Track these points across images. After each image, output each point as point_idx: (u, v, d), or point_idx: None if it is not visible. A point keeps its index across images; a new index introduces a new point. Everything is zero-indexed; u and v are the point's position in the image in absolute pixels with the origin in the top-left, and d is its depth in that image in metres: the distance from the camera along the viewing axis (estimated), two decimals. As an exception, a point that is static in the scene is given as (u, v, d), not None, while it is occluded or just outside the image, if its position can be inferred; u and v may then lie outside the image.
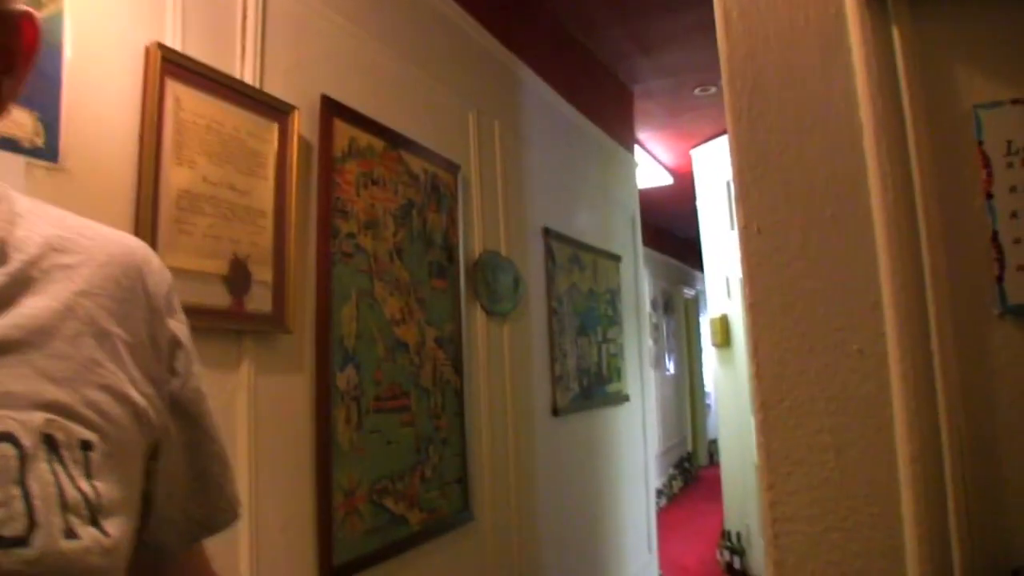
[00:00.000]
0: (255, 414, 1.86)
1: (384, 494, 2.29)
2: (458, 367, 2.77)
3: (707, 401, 12.98)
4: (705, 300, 14.21)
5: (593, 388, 4.12)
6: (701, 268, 14.01)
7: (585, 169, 4.41)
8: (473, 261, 2.99)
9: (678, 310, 11.87)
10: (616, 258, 4.69)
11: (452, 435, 2.70)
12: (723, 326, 6.69)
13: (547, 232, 3.74)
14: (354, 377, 2.20)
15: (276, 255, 1.92)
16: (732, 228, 6.72)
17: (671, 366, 11.12)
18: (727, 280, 6.71)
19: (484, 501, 2.91)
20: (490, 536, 2.92)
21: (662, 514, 9.15)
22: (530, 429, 3.36)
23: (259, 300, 1.86)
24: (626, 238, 5.02)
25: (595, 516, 4.12)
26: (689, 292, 12.72)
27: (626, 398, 4.64)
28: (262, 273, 1.87)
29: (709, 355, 13.80)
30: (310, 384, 2.06)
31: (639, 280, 5.22)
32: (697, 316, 13.20)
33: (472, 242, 3.01)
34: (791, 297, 1.08)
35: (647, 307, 5.29)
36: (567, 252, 3.95)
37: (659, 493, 9.20)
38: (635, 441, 4.88)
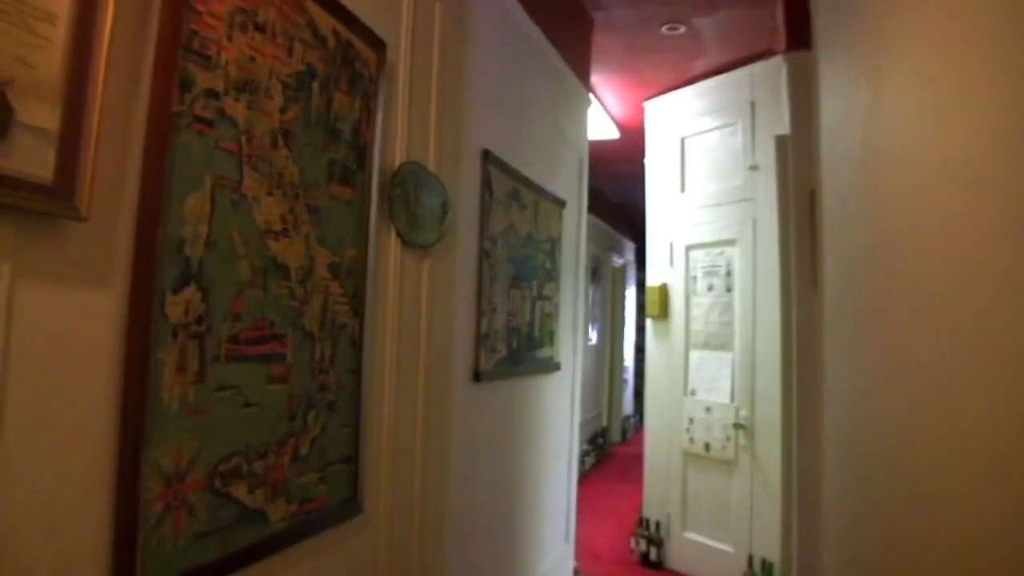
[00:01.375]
0: (9, 345, 1.13)
1: (234, 478, 1.57)
2: (358, 308, 2.06)
3: (624, 376, 12.52)
4: (632, 271, 13.80)
5: (522, 352, 3.46)
6: (632, 236, 13.55)
7: (536, 92, 3.71)
8: (392, 171, 2.27)
9: (606, 278, 11.31)
10: (560, 203, 4.02)
11: (343, 398, 1.99)
12: (662, 296, 6.11)
13: (487, 156, 3.04)
14: (198, 304, 1.47)
15: (69, 91, 1.17)
16: (682, 191, 6.13)
17: (593, 336, 10.56)
18: (671, 246, 6.12)
19: (380, 487, 2.21)
20: (384, 531, 2.23)
21: (572, 492, 8.63)
22: (445, 396, 2.67)
23: (27, 157, 1.11)
24: (572, 182, 4.35)
25: (513, 502, 3.48)
26: (618, 260, 12.18)
27: (557, 367, 4.00)
28: (37, 114, 1.12)
29: (631, 328, 13.39)
30: (120, 306, 1.32)
31: (581, 233, 4.57)
32: (624, 287, 12.69)
33: (392, 146, 2.29)
34: None
35: (583, 265, 4.63)
36: (507, 185, 3.26)
37: (571, 469, 8.65)
38: (562, 417, 4.25)
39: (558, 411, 4.15)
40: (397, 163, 2.29)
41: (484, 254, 3.00)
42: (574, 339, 4.41)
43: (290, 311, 1.76)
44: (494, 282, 3.11)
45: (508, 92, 3.32)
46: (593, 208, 10.26)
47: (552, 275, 3.87)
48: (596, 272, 10.60)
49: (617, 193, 10.91)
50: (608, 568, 6.01)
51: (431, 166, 2.49)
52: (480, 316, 2.98)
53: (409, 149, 2.36)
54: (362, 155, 2.07)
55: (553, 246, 3.89)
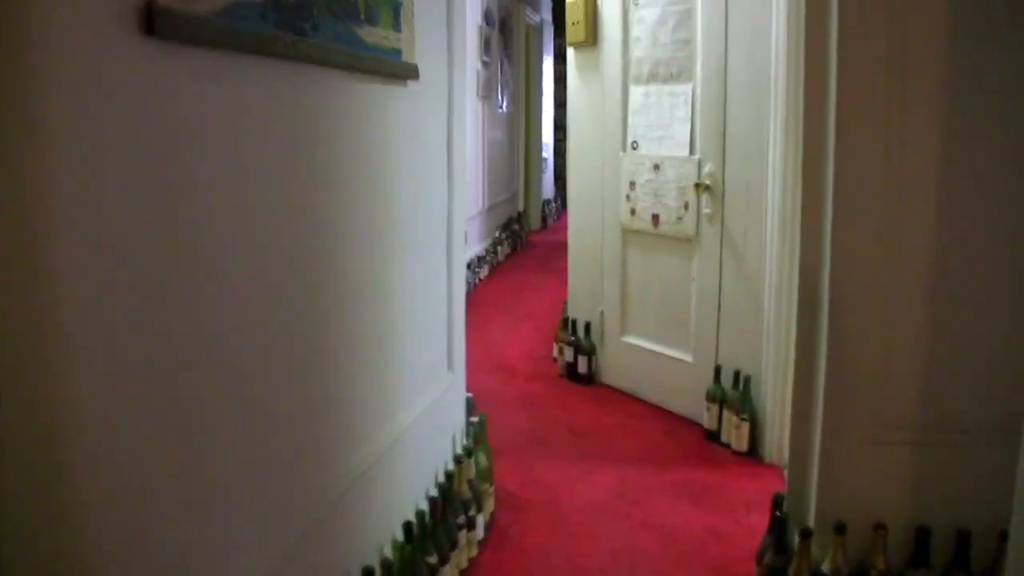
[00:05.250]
0: None
1: None
2: None
3: (544, 155, 10.82)
4: (550, 34, 11.77)
5: (318, 13, 1.67)
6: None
7: None
8: None
9: (516, 37, 9.34)
10: None
11: None
12: (588, 12, 4.27)
13: None
14: None
15: None
16: None
17: (504, 103, 8.72)
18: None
19: None
20: None
21: (481, 288, 7.07)
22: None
23: None
24: None
25: (317, 335, 1.79)
26: (533, 17, 10.15)
27: (408, 71, 2.22)
28: None
29: (549, 101, 11.55)
30: None
31: None
32: (540, 51, 10.74)
33: None
34: None
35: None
36: None
37: (480, 260, 7.10)
38: (429, 176, 2.53)
39: (419, 160, 2.42)
40: None
41: None
42: (449, 35, 2.62)
43: None
44: None
45: None
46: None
47: None
48: (504, 27, 8.63)
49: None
50: (523, 386, 4.52)
51: None
52: None
53: None
54: None
55: None
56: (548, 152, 11.34)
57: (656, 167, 3.94)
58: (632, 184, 4.09)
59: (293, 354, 1.68)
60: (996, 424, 2.13)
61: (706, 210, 3.71)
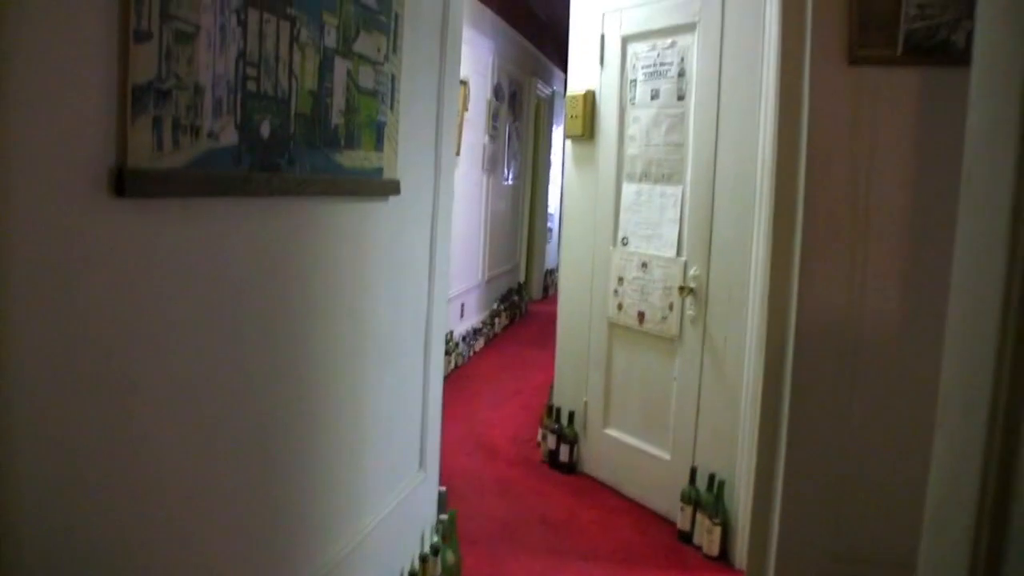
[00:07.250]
0: None
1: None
2: None
3: (549, 224, 10.93)
4: (561, 104, 11.94)
5: (294, 146, 1.75)
6: (562, 64, 11.66)
7: None
8: None
9: (526, 109, 9.51)
10: None
11: None
12: (587, 107, 4.39)
13: None
14: None
15: None
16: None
17: (510, 175, 8.85)
18: (601, 39, 4.35)
19: None
20: None
21: (475, 361, 7.11)
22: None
23: None
24: None
25: (279, 447, 1.85)
26: (544, 90, 10.35)
27: (389, 187, 2.29)
28: None
29: (556, 170, 11.69)
30: None
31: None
32: (550, 121, 10.92)
33: None
34: None
35: (458, 31, 2.89)
36: None
37: (476, 333, 7.15)
38: (407, 281, 2.60)
39: (398, 270, 2.49)
40: None
41: None
42: (437, 149, 2.71)
43: None
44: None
45: None
46: (513, 20, 8.39)
47: (376, 20, 2.12)
48: (515, 99, 8.80)
49: (546, 5, 8.99)
50: (503, 470, 4.54)
51: None
52: (132, 41, 1.26)
53: None
54: None
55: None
56: (554, 222, 11.45)
57: (644, 265, 4.01)
58: (620, 279, 4.16)
59: (251, 460, 1.73)
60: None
61: (689, 312, 3.77)
